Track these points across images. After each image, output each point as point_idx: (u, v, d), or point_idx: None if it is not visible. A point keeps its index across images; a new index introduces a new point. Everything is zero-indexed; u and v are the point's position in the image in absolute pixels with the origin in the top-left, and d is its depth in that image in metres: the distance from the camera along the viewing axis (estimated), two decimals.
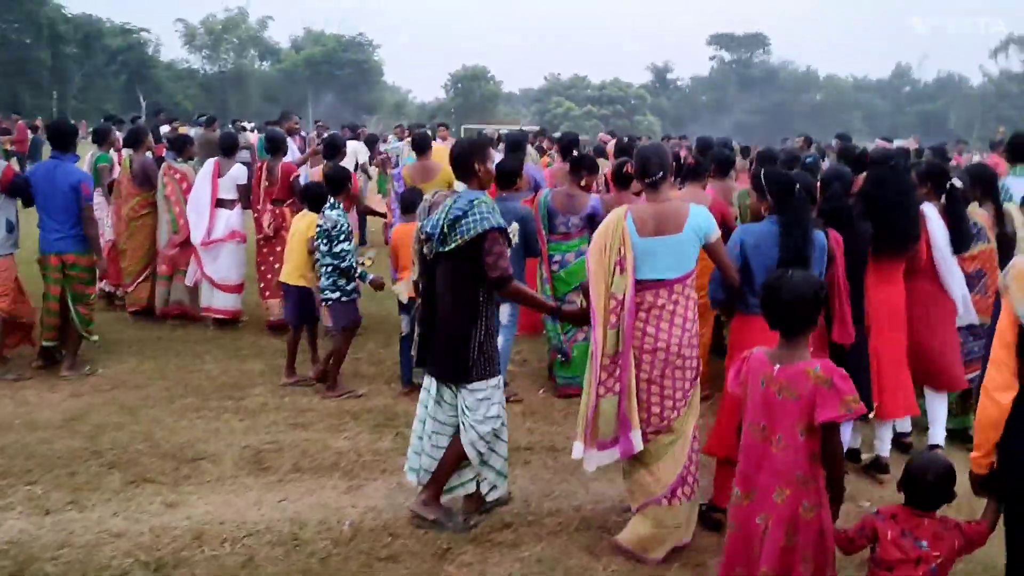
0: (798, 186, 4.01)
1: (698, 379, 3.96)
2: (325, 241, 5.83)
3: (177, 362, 6.70)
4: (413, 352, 4.30)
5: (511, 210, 5.55)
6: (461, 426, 4.03)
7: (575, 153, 7.41)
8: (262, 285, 7.70)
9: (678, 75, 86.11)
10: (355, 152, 12.64)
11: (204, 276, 7.63)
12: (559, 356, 6.15)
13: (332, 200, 5.99)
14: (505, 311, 5.76)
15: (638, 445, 3.80)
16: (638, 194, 6.08)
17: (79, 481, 4.54)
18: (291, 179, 7.73)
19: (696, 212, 3.86)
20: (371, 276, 5.99)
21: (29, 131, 19.41)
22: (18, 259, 6.42)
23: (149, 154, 8.32)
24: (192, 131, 21.58)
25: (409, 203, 6.03)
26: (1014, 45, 76.09)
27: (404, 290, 4.28)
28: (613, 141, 12.60)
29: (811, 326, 3.01)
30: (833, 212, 4.48)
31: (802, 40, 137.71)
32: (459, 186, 4.32)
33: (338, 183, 6.10)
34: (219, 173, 7.70)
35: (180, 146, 8.25)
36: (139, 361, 6.67)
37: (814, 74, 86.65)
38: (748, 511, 3.01)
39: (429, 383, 4.14)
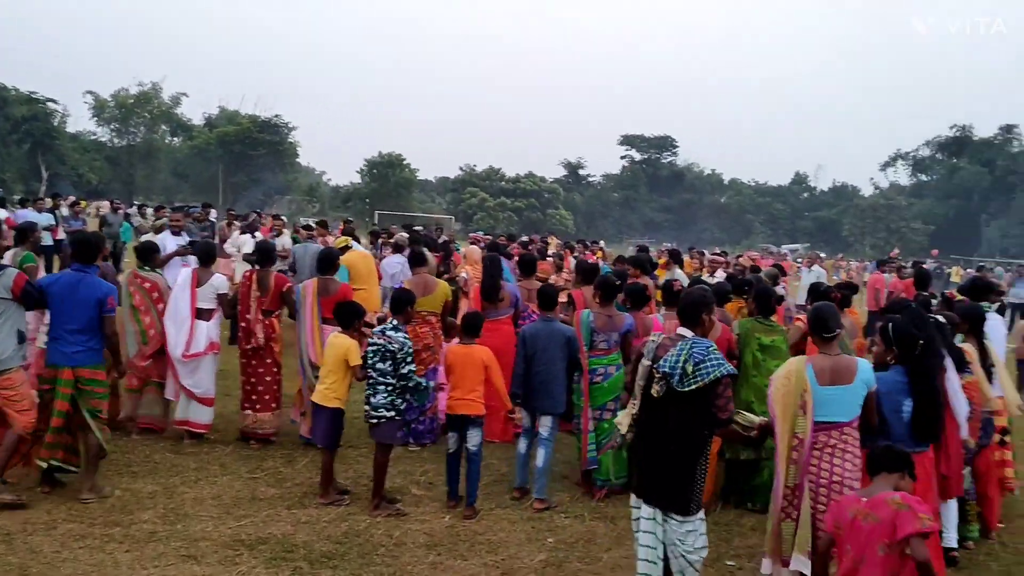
0: (922, 341, 4.78)
1: None
2: (389, 363, 5.96)
3: (63, 477, 6.29)
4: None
5: (558, 331, 6.46)
6: (670, 555, 4.34)
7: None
8: (254, 398, 7.48)
9: (590, 172, 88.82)
10: (241, 246, 12.42)
11: (183, 389, 7.38)
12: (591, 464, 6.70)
13: (395, 321, 6.16)
14: (547, 424, 6.48)
15: (805, 569, 4.34)
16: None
17: None
18: (283, 290, 7.63)
19: (864, 366, 4.57)
20: (427, 383, 6.33)
21: None
22: None
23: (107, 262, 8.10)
24: (104, 212, 20.94)
25: (472, 326, 6.35)
26: (901, 160, 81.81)
27: (626, 423, 4.51)
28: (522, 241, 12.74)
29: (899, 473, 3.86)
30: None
31: (707, 144, 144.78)
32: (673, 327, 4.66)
33: (401, 304, 6.27)
34: (197, 283, 7.51)
35: (148, 255, 7.90)
36: (23, 474, 6.20)
37: (718, 177, 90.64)
38: None
39: (653, 512, 4.36)
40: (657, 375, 4.31)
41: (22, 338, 5.92)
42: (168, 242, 9.75)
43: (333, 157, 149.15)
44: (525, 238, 21.01)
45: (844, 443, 4.47)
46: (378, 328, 6.29)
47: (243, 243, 12.66)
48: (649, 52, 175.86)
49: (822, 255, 38.28)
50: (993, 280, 10.17)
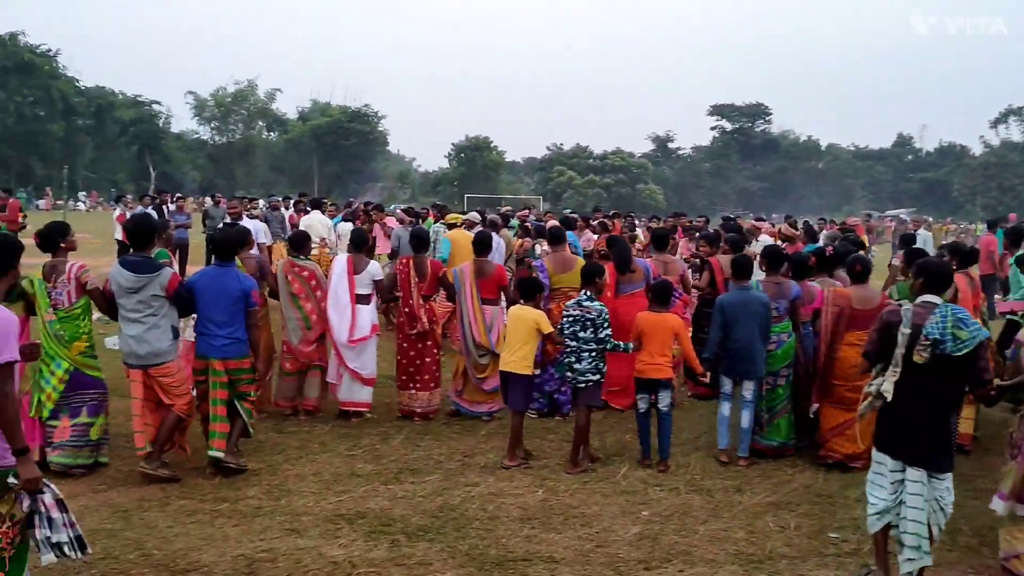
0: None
1: None
2: (591, 330, 6.44)
3: (170, 455, 6.59)
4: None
5: (754, 298, 6.77)
6: (930, 510, 4.56)
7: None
8: (417, 378, 7.90)
9: (680, 144, 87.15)
10: (313, 226, 12.63)
11: (350, 371, 7.78)
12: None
13: (588, 292, 6.62)
14: (750, 387, 6.88)
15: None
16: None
17: None
18: (439, 275, 8.01)
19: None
20: (624, 345, 6.69)
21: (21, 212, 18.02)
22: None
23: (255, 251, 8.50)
24: (207, 206, 21.69)
25: (662, 294, 6.81)
26: (1013, 116, 77.22)
27: (890, 389, 4.68)
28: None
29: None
30: None
31: (803, 110, 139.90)
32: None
33: (591, 276, 6.74)
34: (355, 270, 7.84)
35: (300, 243, 8.21)
36: (135, 454, 6.51)
37: (815, 143, 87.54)
38: None
39: (920, 475, 4.55)
40: (925, 342, 4.45)
41: (176, 333, 6.29)
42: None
43: (422, 143, 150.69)
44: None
45: None
46: (573, 301, 6.75)
47: (342, 232, 13.11)
48: (737, 16, 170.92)
49: (929, 219, 36.72)
50: None
